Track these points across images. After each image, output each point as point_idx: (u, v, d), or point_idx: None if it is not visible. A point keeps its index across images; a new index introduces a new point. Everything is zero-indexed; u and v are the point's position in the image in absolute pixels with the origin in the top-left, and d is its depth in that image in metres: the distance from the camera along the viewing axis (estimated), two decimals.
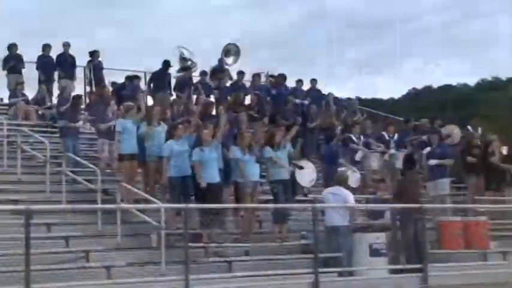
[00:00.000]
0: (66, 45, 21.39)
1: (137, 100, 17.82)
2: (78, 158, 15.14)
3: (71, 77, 21.26)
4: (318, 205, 12.92)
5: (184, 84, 20.80)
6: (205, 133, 13.64)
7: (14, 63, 20.50)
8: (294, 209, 14.71)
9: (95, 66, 21.85)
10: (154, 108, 15.19)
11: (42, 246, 11.19)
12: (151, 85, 20.77)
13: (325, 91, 23.54)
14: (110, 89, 20.57)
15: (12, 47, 20.75)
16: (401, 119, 23.93)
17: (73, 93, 18.62)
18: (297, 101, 22.01)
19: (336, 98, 23.54)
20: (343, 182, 13.87)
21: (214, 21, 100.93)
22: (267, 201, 14.94)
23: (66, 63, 21.12)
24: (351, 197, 13.54)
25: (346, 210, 13.26)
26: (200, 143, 13.61)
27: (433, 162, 17.03)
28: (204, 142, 13.55)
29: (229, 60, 21.69)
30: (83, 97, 20.14)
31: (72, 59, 21.43)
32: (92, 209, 13.20)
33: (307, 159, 17.01)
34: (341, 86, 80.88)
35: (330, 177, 15.25)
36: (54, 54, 21.26)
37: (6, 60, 20.62)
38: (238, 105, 19.32)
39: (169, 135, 14.14)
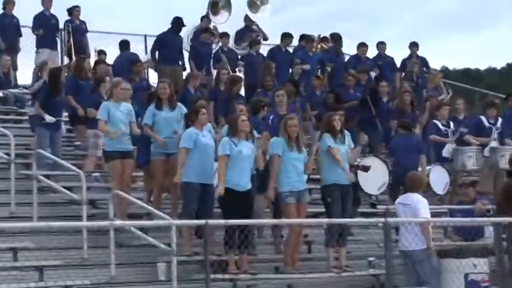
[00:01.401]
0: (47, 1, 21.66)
1: (134, 74, 18.02)
2: (55, 158, 15.17)
3: (53, 46, 21.64)
4: (392, 219, 12.78)
5: (203, 54, 20.93)
6: (242, 122, 13.48)
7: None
8: (358, 225, 14.66)
9: (76, 29, 21.96)
10: (161, 84, 15.19)
11: (6, 280, 11.28)
12: (157, 53, 20.84)
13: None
14: (95, 59, 20.72)
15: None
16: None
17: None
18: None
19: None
20: (418, 186, 13.83)
21: None
22: (317, 215, 14.93)
23: (48, 27, 21.45)
24: (422, 205, 13.42)
25: (419, 227, 13.13)
26: (233, 134, 13.50)
27: None
28: (240, 134, 13.45)
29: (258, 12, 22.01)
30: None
31: (56, 20, 21.74)
32: (74, 228, 13.24)
33: (376, 155, 17.00)
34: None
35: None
36: (19, 13, 21.62)
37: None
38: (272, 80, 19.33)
39: (187, 121, 14.15)
